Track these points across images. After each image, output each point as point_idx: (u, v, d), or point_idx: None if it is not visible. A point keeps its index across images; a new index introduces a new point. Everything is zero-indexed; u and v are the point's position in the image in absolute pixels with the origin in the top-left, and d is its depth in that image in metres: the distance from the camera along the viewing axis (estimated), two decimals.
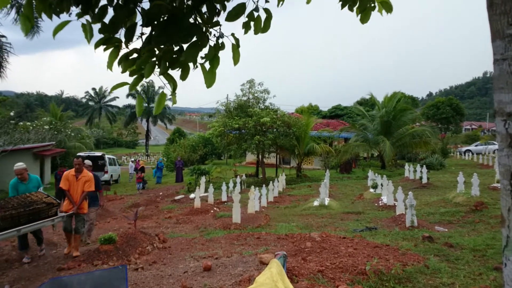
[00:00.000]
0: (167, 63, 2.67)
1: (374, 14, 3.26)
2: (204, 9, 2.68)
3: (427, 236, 7.43)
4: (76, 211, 8.18)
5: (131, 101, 68.52)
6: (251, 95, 24.63)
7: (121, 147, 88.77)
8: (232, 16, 2.62)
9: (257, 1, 2.78)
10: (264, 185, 15.49)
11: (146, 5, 2.61)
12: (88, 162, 10.16)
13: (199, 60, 2.72)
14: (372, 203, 13.71)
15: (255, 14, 2.80)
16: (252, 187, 14.08)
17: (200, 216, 12.90)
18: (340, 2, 3.19)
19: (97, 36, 2.68)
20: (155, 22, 2.54)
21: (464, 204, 11.07)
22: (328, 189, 16.21)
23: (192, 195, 17.22)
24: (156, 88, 64.94)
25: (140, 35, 2.62)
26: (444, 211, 10.69)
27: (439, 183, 17.22)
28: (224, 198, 16.17)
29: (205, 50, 2.72)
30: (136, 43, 2.67)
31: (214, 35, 2.71)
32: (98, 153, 28.79)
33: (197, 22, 2.64)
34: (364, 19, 3.16)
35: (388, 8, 3.18)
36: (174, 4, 2.55)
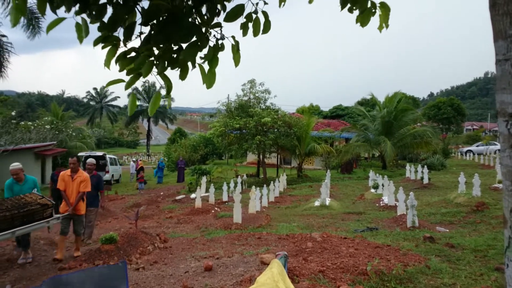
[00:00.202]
0: (166, 62, 2.67)
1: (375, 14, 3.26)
2: (204, 9, 2.68)
3: (428, 236, 7.42)
4: (72, 212, 7.99)
5: None
6: (252, 95, 24.64)
7: (122, 147, 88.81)
8: (231, 17, 2.62)
9: (257, 4, 2.78)
10: (265, 185, 15.48)
11: (145, 3, 2.61)
12: (91, 160, 10.06)
13: (198, 61, 2.72)
14: (373, 203, 13.70)
15: (254, 15, 2.80)
16: (253, 187, 14.08)
17: (201, 216, 12.90)
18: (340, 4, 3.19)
19: (92, 36, 2.68)
20: (155, 21, 2.54)
21: (465, 205, 11.06)
22: (329, 189, 16.21)
23: (193, 195, 17.22)
24: (157, 88, 65.02)
25: (139, 34, 2.62)
26: (445, 212, 10.68)
27: (440, 184, 17.21)
28: (225, 198, 16.17)
29: (204, 51, 2.73)
30: (134, 42, 2.67)
31: (214, 35, 2.71)
32: (99, 153, 28.82)
33: (197, 23, 2.64)
34: (364, 21, 3.15)
35: (385, 17, 3.17)
36: (174, 4, 2.55)
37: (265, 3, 2.80)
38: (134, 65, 2.62)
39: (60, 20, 2.48)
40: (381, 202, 13.36)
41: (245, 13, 2.71)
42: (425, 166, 18.92)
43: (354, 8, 3.07)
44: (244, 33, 2.87)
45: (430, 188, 16.20)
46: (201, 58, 2.73)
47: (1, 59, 19.44)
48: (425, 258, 6.00)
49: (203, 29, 2.64)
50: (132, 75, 2.68)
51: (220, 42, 2.74)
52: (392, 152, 24.35)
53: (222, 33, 2.71)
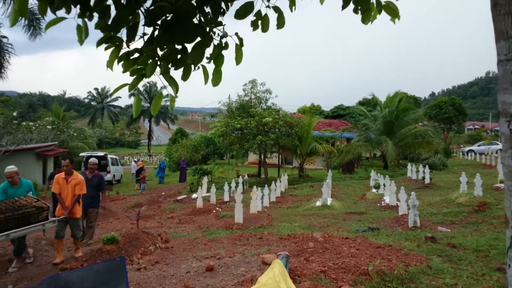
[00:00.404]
0: (170, 63, 2.67)
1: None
2: (207, 9, 2.68)
3: (429, 236, 7.41)
4: (68, 215, 7.89)
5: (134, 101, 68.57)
6: (253, 95, 24.64)
7: (123, 147, 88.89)
8: (241, 14, 2.63)
9: (269, 0, 2.79)
10: (266, 185, 15.48)
11: (148, 4, 2.61)
12: (93, 160, 9.97)
13: (204, 61, 2.72)
14: (374, 203, 13.69)
15: (263, 12, 2.81)
16: (254, 187, 14.07)
17: (203, 216, 12.90)
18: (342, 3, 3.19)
19: (93, 37, 2.68)
20: (159, 22, 2.54)
21: (467, 205, 11.04)
22: (331, 189, 16.19)
23: (194, 195, 17.22)
24: (159, 88, 65.05)
25: (142, 35, 2.62)
26: (446, 212, 10.66)
27: (442, 183, 17.19)
28: (226, 198, 16.18)
29: (208, 50, 2.73)
30: (137, 44, 2.67)
31: (218, 34, 2.72)
32: (101, 153, 28.86)
33: (201, 22, 2.64)
34: (365, 18, 3.15)
35: (394, 14, 3.17)
36: (178, 4, 2.55)
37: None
38: (137, 65, 2.63)
39: (59, 19, 2.48)
40: (382, 202, 13.35)
41: (255, 10, 2.72)
42: (427, 166, 18.89)
43: (359, 8, 3.07)
44: (254, 29, 2.89)
45: (432, 188, 16.18)
46: (206, 58, 2.73)
47: (2, 60, 19.47)
48: (426, 258, 6.00)
49: (207, 29, 2.65)
50: (135, 76, 2.68)
51: (224, 40, 2.75)
52: (393, 152, 24.32)
53: (224, 31, 2.72)
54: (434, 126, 36.04)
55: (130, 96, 66.21)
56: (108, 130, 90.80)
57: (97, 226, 12.00)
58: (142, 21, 2.57)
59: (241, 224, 10.52)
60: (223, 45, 2.76)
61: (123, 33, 2.61)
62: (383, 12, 3.19)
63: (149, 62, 2.64)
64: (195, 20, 2.60)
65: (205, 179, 19.68)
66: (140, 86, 62.88)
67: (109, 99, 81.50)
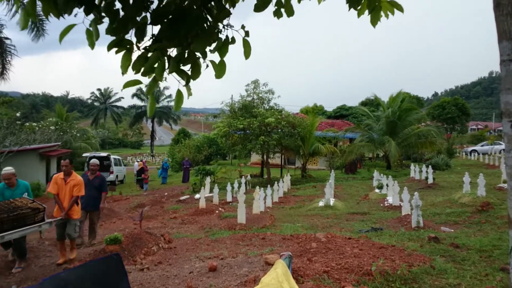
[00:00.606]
0: (178, 61, 2.68)
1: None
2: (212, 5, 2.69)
3: (433, 236, 7.40)
4: (65, 216, 7.76)
5: (137, 102, 68.77)
6: (255, 95, 24.64)
7: (126, 148, 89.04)
8: (259, 6, 2.64)
9: None
10: (269, 186, 15.50)
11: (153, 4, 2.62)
12: (95, 161, 9.92)
13: (213, 56, 2.74)
14: (377, 203, 13.67)
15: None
16: (257, 187, 14.07)
17: (205, 216, 12.91)
18: (348, 3, 3.19)
19: (101, 40, 2.70)
20: (165, 21, 2.55)
21: (470, 205, 11.02)
22: (333, 189, 16.18)
23: (197, 196, 17.23)
24: (162, 88, 65.11)
25: (151, 36, 2.63)
26: (450, 212, 10.64)
27: (445, 184, 17.15)
28: (229, 198, 16.19)
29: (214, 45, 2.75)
30: (147, 44, 2.69)
31: (224, 27, 2.73)
32: (104, 154, 28.93)
33: (205, 16, 2.65)
34: (374, 20, 3.15)
35: (398, 7, 3.17)
36: (183, 3, 2.56)
37: None
38: (145, 67, 2.63)
39: (71, 26, 2.50)
40: (385, 202, 13.33)
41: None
42: (430, 166, 18.85)
43: (357, 6, 3.08)
44: (279, 17, 2.94)
45: (435, 188, 16.15)
46: (210, 51, 2.74)
47: (4, 61, 19.54)
48: (430, 258, 5.99)
49: (210, 20, 2.65)
50: (151, 79, 2.70)
51: (230, 35, 2.76)
52: (396, 152, 24.29)
53: (229, 23, 2.73)
54: (437, 126, 35.98)
55: (132, 96, 66.36)
56: (111, 131, 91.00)
57: (100, 226, 12.04)
58: (149, 21, 2.58)
59: (244, 224, 10.52)
60: (229, 40, 2.77)
61: (132, 36, 2.62)
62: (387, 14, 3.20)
63: (157, 63, 2.64)
64: (199, 15, 2.61)
65: (207, 180, 19.70)
66: (143, 86, 62.97)
67: (112, 100, 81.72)
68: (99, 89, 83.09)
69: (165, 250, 8.18)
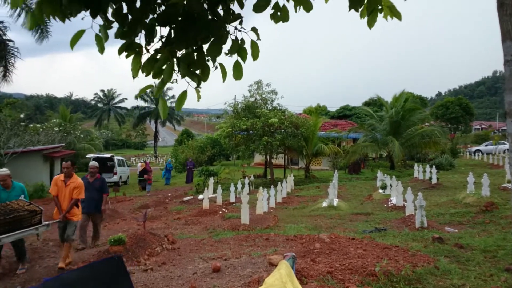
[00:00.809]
0: (187, 64, 2.69)
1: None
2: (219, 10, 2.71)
3: (437, 237, 7.38)
4: (63, 219, 7.67)
5: (140, 103, 68.97)
6: (258, 96, 24.62)
7: (129, 149, 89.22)
8: (260, 6, 2.65)
9: None
10: (272, 186, 15.47)
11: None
12: (93, 163, 9.84)
13: (220, 59, 2.75)
14: (381, 204, 13.65)
15: (281, 3, 2.84)
16: (261, 188, 14.07)
17: (209, 217, 12.92)
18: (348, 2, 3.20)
19: (109, 43, 2.71)
20: (173, 24, 2.56)
21: (474, 205, 10.98)
22: (337, 190, 16.16)
23: (200, 196, 17.25)
24: (165, 89, 65.22)
25: (160, 37, 2.64)
26: (454, 212, 10.61)
27: (449, 184, 17.11)
28: (232, 199, 16.19)
29: (225, 47, 2.76)
30: (156, 46, 2.70)
31: (236, 28, 2.74)
32: (107, 155, 29.02)
33: (215, 20, 2.66)
34: (371, 22, 3.16)
35: (397, 15, 3.17)
36: (190, 5, 2.57)
37: None
38: (155, 69, 2.65)
39: (82, 32, 2.51)
40: (389, 203, 13.30)
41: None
42: (434, 166, 18.80)
43: (359, 7, 3.08)
44: (276, 21, 2.94)
45: (439, 188, 16.11)
46: (225, 53, 2.75)
47: (7, 64, 19.61)
48: (434, 258, 5.97)
49: (221, 26, 2.67)
50: (159, 81, 2.71)
51: (240, 37, 2.77)
52: (400, 152, 24.23)
53: (242, 26, 2.74)
54: (440, 126, 35.85)
55: (136, 97, 66.53)
56: (115, 132, 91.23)
57: (104, 227, 12.08)
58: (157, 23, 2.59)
59: (248, 225, 10.52)
60: (239, 41, 2.78)
61: (141, 39, 2.64)
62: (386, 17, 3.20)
63: (166, 65, 2.65)
64: (209, 19, 2.62)
65: (211, 180, 19.71)
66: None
67: (115, 101, 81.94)
68: (102, 90, 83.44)
69: (168, 251, 8.19)
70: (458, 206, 11.33)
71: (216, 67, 2.76)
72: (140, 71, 2.72)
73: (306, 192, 18.95)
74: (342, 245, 6.75)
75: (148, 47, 2.66)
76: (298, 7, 2.90)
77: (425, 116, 30.32)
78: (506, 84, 1.73)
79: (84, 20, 2.52)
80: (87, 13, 2.48)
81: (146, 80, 2.77)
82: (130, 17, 2.53)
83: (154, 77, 2.71)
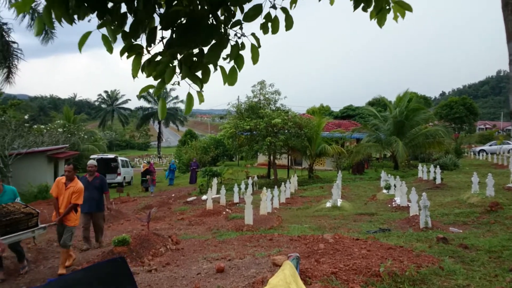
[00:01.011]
0: (188, 66, 2.69)
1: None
2: (220, 12, 2.71)
3: (441, 237, 7.36)
4: (59, 222, 7.59)
5: (143, 104, 69.12)
6: (262, 96, 24.64)
7: (133, 149, 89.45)
8: (249, 16, 2.64)
9: (274, 1, 2.80)
10: (276, 187, 15.48)
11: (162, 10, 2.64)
12: (91, 162, 9.72)
13: (221, 61, 2.75)
14: (385, 204, 13.62)
15: (272, 14, 2.82)
16: (264, 188, 14.07)
17: (213, 217, 12.93)
18: (352, 3, 3.18)
19: (99, 42, 2.72)
20: (175, 26, 2.57)
21: (479, 205, 10.94)
22: (341, 190, 16.14)
23: (204, 197, 17.26)
24: (168, 90, 65.33)
25: (161, 39, 2.65)
26: (458, 212, 10.58)
27: (453, 184, 17.05)
28: (236, 199, 16.19)
29: (225, 51, 2.76)
30: (157, 49, 2.71)
31: (236, 34, 2.74)
32: (111, 155, 29.03)
33: (216, 24, 2.66)
34: (381, 21, 3.14)
35: (407, 8, 3.15)
36: (192, 8, 2.57)
37: None
38: (157, 71, 2.66)
39: (88, 34, 2.53)
40: (393, 203, 13.28)
41: (264, 13, 2.73)
42: (438, 166, 18.75)
43: (368, 7, 3.06)
44: (265, 32, 2.90)
45: (443, 188, 16.06)
46: (223, 58, 2.76)
47: (10, 65, 19.66)
48: (438, 259, 5.96)
49: (222, 30, 2.67)
50: (159, 81, 2.72)
51: (240, 41, 2.77)
52: (404, 152, 24.17)
53: (242, 32, 2.74)
54: (444, 126, 35.80)
55: (139, 98, 66.66)
56: (118, 133, 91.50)
57: (108, 228, 12.11)
58: (159, 26, 2.60)
59: (251, 225, 10.52)
60: (240, 45, 2.78)
61: (143, 40, 2.65)
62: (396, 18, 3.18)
63: (168, 67, 2.67)
64: (210, 22, 2.62)
65: (214, 181, 19.71)
66: (150, 89, 63.24)
67: (119, 102, 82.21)
68: (106, 91, 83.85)
69: (172, 252, 8.20)
70: (463, 206, 11.29)
71: (217, 69, 2.76)
72: (141, 72, 2.73)
73: (309, 192, 18.94)
74: (346, 246, 6.74)
75: (149, 49, 2.67)
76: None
77: (429, 116, 30.24)
78: (510, 83, 1.72)
79: (90, 22, 2.54)
80: (93, 15, 2.49)
81: (147, 81, 2.79)
82: (132, 19, 2.54)
83: (155, 78, 2.72)
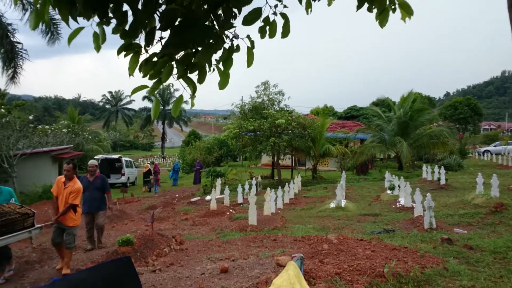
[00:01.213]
0: (185, 66, 2.69)
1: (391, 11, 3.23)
2: (220, 12, 2.70)
3: (446, 238, 7.34)
4: (55, 221, 7.42)
5: (147, 104, 69.40)
6: (265, 96, 24.62)
7: (137, 150, 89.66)
8: (248, 20, 2.63)
9: (276, 6, 2.79)
10: (279, 187, 15.46)
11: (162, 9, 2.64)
12: (92, 162, 9.63)
13: (214, 63, 2.74)
14: (389, 205, 13.59)
15: (271, 19, 2.81)
16: (268, 189, 14.07)
17: (216, 218, 12.94)
18: (356, 3, 3.17)
19: (107, 42, 2.72)
20: (172, 27, 2.57)
21: (484, 206, 10.89)
22: (345, 190, 16.11)
23: (208, 197, 17.28)
24: (172, 91, 65.51)
25: (159, 39, 2.65)
26: (463, 213, 10.54)
27: (458, 184, 16.99)
28: (240, 200, 16.19)
29: (220, 53, 2.75)
30: (155, 49, 2.71)
31: (229, 36, 2.73)
32: (115, 156, 29.11)
33: (212, 25, 2.66)
34: (383, 22, 3.13)
35: (408, 11, 3.15)
36: (191, 8, 2.57)
37: (285, 6, 2.80)
38: (154, 70, 2.66)
39: (80, 29, 2.53)
40: (397, 204, 13.24)
41: (263, 16, 2.71)
42: (442, 166, 18.67)
43: (373, 7, 3.05)
44: (262, 36, 2.88)
45: (447, 189, 16.01)
46: (216, 60, 2.75)
47: (15, 65, 19.73)
48: (443, 260, 5.94)
49: (218, 31, 2.66)
50: (155, 81, 2.71)
51: (235, 43, 2.76)
52: (408, 152, 24.09)
53: (236, 33, 2.73)
54: (449, 127, 35.62)
55: (143, 99, 66.90)
56: (122, 133, 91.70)
57: (112, 228, 12.14)
58: (158, 26, 2.60)
59: (255, 226, 10.52)
60: (235, 47, 2.77)
61: (141, 39, 2.65)
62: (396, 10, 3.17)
63: (165, 67, 2.66)
64: (207, 24, 2.62)
65: (218, 181, 19.73)
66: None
67: (123, 102, 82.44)
68: (110, 92, 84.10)
69: (176, 252, 8.21)
70: (467, 207, 11.25)
71: (213, 70, 2.76)
72: (138, 71, 2.73)
73: (313, 193, 18.92)
74: (350, 246, 6.73)
75: (148, 49, 2.67)
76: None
77: (433, 116, 30.13)
78: None
79: (87, 21, 2.55)
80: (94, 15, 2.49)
81: (147, 80, 2.79)
82: (130, 18, 2.54)
83: (151, 78, 2.71)
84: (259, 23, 2.77)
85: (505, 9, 1.74)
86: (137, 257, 7.36)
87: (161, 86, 2.88)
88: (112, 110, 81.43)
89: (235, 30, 2.73)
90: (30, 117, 25.17)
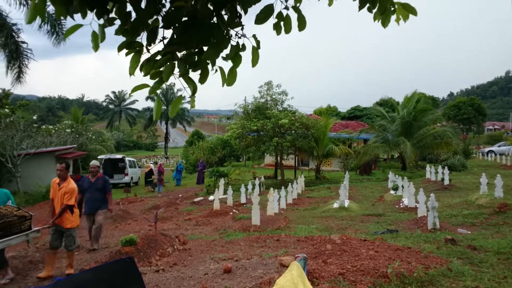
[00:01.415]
0: (187, 65, 2.68)
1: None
2: (224, 12, 2.69)
3: (449, 238, 7.31)
4: (52, 223, 7.25)
5: (151, 104, 69.40)
6: (269, 97, 24.63)
7: (141, 150, 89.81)
8: (261, 19, 2.60)
9: (286, 1, 2.76)
10: (283, 187, 15.46)
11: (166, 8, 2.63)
12: (94, 163, 9.54)
13: (220, 60, 2.73)
14: (392, 205, 13.56)
15: (284, 13, 2.78)
16: (271, 189, 14.06)
17: (220, 218, 12.94)
18: (358, 3, 3.15)
19: (109, 41, 2.71)
20: (176, 24, 2.56)
21: (488, 206, 10.86)
22: (348, 191, 16.09)
23: (211, 197, 17.28)
24: (175, 90, 65.62)
25: (162, 38, 2.64)
26: (467, 213, 10.51)
27: (461, 185, 16.94)
28: (243, 200, 16.19)
29: (225, 51, 2.74)
30: (156, 48, 2.70)
31: (237, 35, 2.72)
32: (119, 156, 29.17)
33: (218, 24, 2.65)
34: (385, 22, 3.12)
35: (412, 11, 3.13)
36: (196, 7, 2.56)
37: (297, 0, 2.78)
38: (155, 68, 2.64)
39: (77, 27, 2.52)
40: (401, 204, 13.21)
41: (275, 13, 2.69)
42: (446, 167, 18.63)
43: (372, 8, 3.04)
44: (278, 33, 2.84)
45: (451, 189, 15.96)
46: (223, 58, 2.74)
47: (20, 65, 19.79)
48: (446, 260, 5.92)
49: (224, 30, 2.65)
50: (156, 80, 2.70)
51: (241, 42, 2.74)
52: (412, 153, 24.03)
53: (243, 33, 2.71)
54: (453, 127, 35.52)
55: (147, 99, 67.05)
56: (126, 133, 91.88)
57: (116, 228, 12.16)
58: (161, 25, 2.59)
59: (258, 226, 10.52)
60: (240, 46, 2.75)
61: (143, 38, 2.64)
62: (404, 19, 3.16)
63: (166, 66, 2.65)
64: (212, 23, 2.61)
65: (221, 181, 19.74)
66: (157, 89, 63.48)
67: (126, 102, 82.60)
68: (113, 92, 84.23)
69: (180, 252, 8.22)
70: (471, 208, 11.22)
71: (216, 70, 2.75)
72: (139, 70, 2.71)
73: (317, 193, 18.90)
74: (353, 247, 6.72)
75: (150, 48, 2.66)
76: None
77: (437, 116, 30.07)
78: None
79: (87, 19, 2.54)
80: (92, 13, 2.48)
81: (147, 81, 2.78)
82: (133, 16, 2.53)
83: (152, 77, 2.70)
84: (272, 20, 2.74)
85: (507, 9, 1.73)
86: (140, 257, 7.37)
87: (164, 86, 2.87)
88: (116, 110, 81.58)
89: (242, 29, 2.71)
90: (34, 117, 25.34)
